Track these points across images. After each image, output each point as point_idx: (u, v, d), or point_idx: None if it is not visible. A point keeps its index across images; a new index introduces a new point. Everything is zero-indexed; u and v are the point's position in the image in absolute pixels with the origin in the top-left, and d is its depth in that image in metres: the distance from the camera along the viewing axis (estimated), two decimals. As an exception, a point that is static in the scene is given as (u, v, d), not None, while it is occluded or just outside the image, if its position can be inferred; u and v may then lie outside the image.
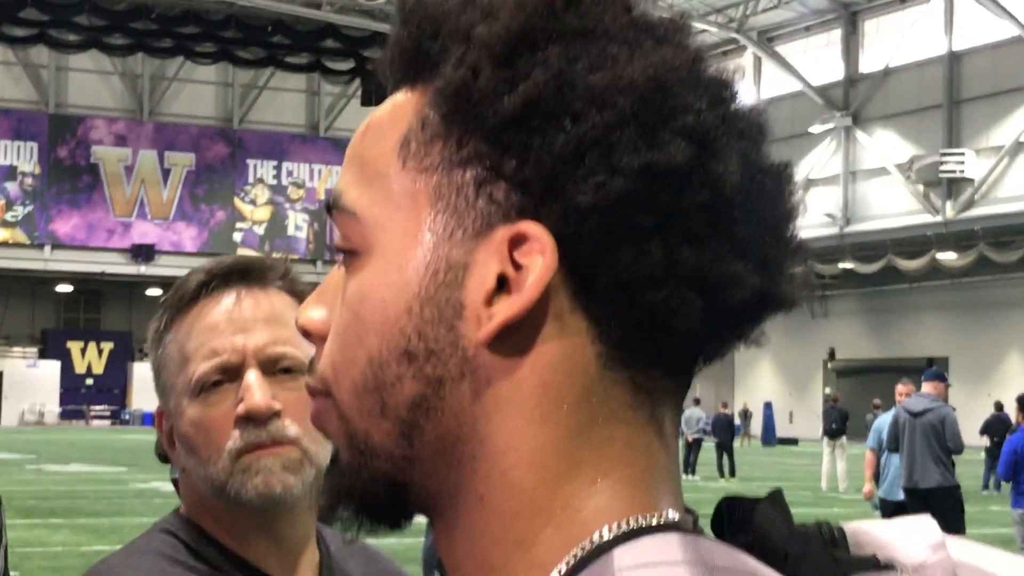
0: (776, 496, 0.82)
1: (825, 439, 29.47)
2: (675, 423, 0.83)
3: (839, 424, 29.04)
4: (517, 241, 0.78)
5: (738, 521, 0.81)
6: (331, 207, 0.86)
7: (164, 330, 1.82)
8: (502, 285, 0.78)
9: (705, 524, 0.83)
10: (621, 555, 0.74)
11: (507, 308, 0.77)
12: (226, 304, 1.77)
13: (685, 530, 0.77)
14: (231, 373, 1.74)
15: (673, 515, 0.78)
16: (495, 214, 0.79)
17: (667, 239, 0.77)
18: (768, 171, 0.83)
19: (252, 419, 1.71)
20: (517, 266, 0.78)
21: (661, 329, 0.78)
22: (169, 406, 1.82)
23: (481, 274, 0.79)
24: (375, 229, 0.83)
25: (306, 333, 0.87)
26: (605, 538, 0.75)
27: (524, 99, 0.77)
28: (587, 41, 0.79)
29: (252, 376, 1.73)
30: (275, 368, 1.75)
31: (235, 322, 1.75)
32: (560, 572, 0.75)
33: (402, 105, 0.85)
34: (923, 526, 0.81)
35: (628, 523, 0.76)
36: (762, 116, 0.85)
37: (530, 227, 0.77)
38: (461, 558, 0.80)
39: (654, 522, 0.77)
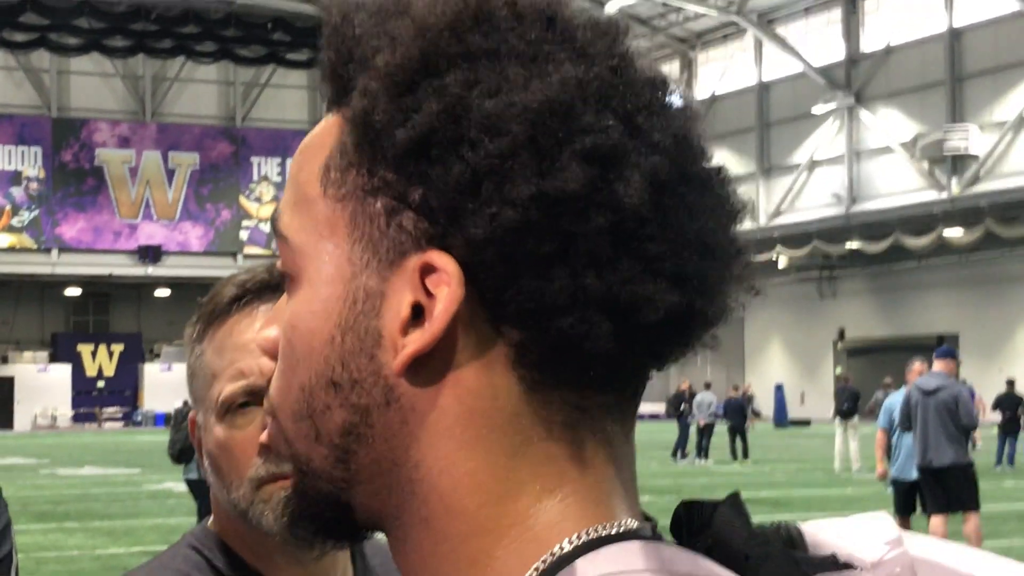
0: (734, 499, 0.81)
1: (837, 419, 29.47)
2: (623, 433, 0.82)
3: (851, 404, 29.05)
4: (427, 270, 0.77)
5: (697, 525, 0.80)
6: (273, 228, 0.87)
7: (197, 340, 1.77)
8: (419, 313, 0.78)
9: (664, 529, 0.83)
10: (584, 565, 0.74)
11: (418, 339, 0.77)
12: (257, 322, 1.72)
13: (645, 538, 0.77)
14: (258, 396, 1.68)
15: (632, 523, 0.78)
16: (406, 243, 0.78)
17: (571, 264, 0.75)
18: (692, 180, 0.80)
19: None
20: (429, 294, 0.77)
21: (575, 352, 0.77)
22: (199, 418, 1.78)
23: (396, 303, 0.78)
24: (302, 256, 0.83)
25: (267, 353, 0.88)
26: (566, 550, 0.75)
27: (418, 131, 0.77)
28: (491, 63, 0.78)
29: None
30: None
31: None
32: None
33: (327, 129, 0.84)
34: (880, 524, 0.81)
35: (588, 533, 0.76)
36: (693, 120, 0.83)
37: (436, 257, 0.77)
38: (416, 575, 0.80)
39: (614, 531, 0.77)
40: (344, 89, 0.83)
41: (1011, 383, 31.92)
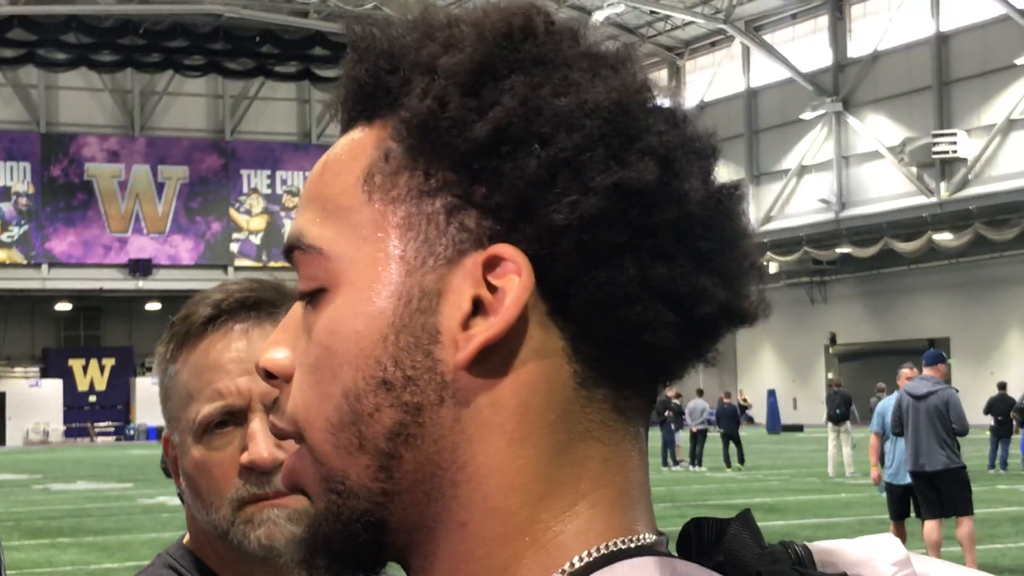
0: (745, 516, 0.82)
1: (829, 424, 29.52)
2: (644, 441, 0.84)
3: (843, 409, 29.11)
4: (491, 264, 0.79)
5: (707, 542, 0.81)
6: (291, 249, 0.86)
7: (170, 360, 1.75)
8: (477, 309, 0.79)
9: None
10: None
11: (486, 330, 0.78)
12: (234, 343, 1.70)
13: (660, 553, 0.78)
14: (236, 416, 1.68)
15: (649, 537, 0.79)
16: (467, 241, 0.80)
17: (639, 255, 0.78)
18: (723, 190, 0.84)
19: (256, 470, 1.65)
20: (492, 288, 0.79)
21: (634, 345, 0.79)
22: (174, 437, 1.76)
23: (456, 299, 0.79)
24: (342, 263, 0.83)
25: (269, 375, 0.87)
26: (583, 562, 0.77)
27: (494, 125, 0.79)
28: (548, 69, 0.81)
29: (257, 424, 1.66)
30: None
31: (242, 362, 1.68)
32: None
33: (360, 141, 0.85)
34: (888, 544, 0.82)
35: (606, 547, 0.77)
36: (713, 139, 0.86)
37: (504, 249, 0.79)
38: None
39: (632, 545, 0.78)
40: (385, 99, 0.84)
41: (1003, 386, 31.96)
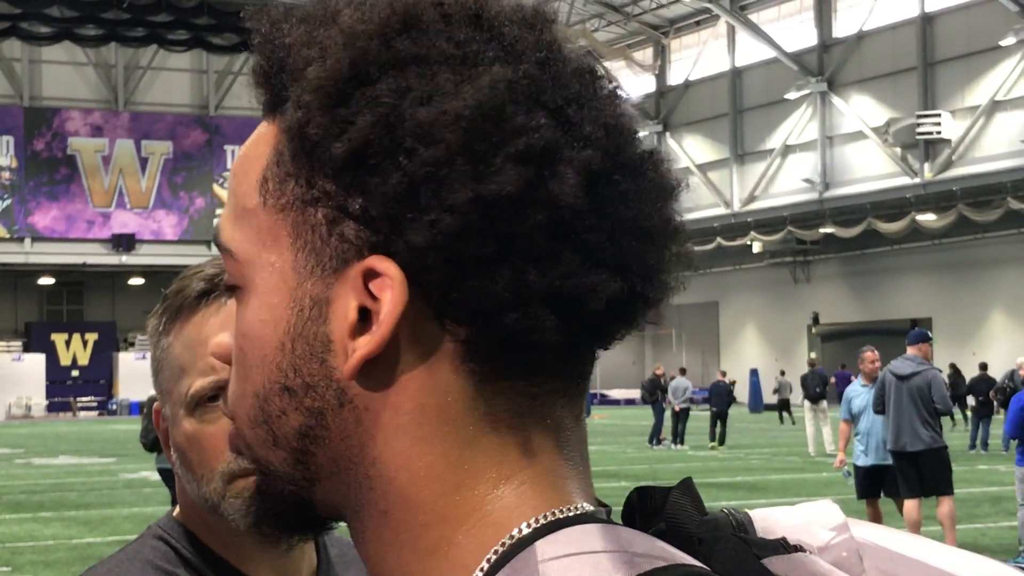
0: (686, 484, 0.83)
1: (807, 404, 29.90)
2: (573, 416, 0.83)
3: (820, 388, 29.65)
4: (369, 275, 0.79)
5: (650, 510, 0.82)
6: (216, 242, 0.88)
7: (163, 332, 1.75)
8: (366, 317, 0.79)
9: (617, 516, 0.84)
10: (543, 547, 0.75)
11: (367, 343, 0.79)
12: (227, 316, 1.69)
13: (602, 521, 0.79)
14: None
15: (588, 507, 0.80)
16: (348, 251, 0.80)
17: (513, 263, 0.77)
18: (626, 167, 0.82)
19: None
20: (375, 298, 0.79)
21: (523, 344, 0.79)
22: (166, 410, 1.77)
23: (343, 308, 0.80)
24: (247, 267, 0.84)
25: (220, 358, 0.89)
26: (524, 532, 0.77)
27: (353, 143, 0.78)
28: (421, 69, 0.79)
29: None
30: None
31: None
32: (483, 570, 0.77)
33: (262, 138, 0.85)
34: (826, 510, 0.83)
35: (546, 517, 0.78)
36: (623, 105, 0.84)
37: (378, 263, 0.78)
38: (377, 564, 0.82)
39: (571, 514, 0.78)
40: (277, 98, 0.84)
41: (984, 367, 32.07)
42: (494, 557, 0.77)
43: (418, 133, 0.77)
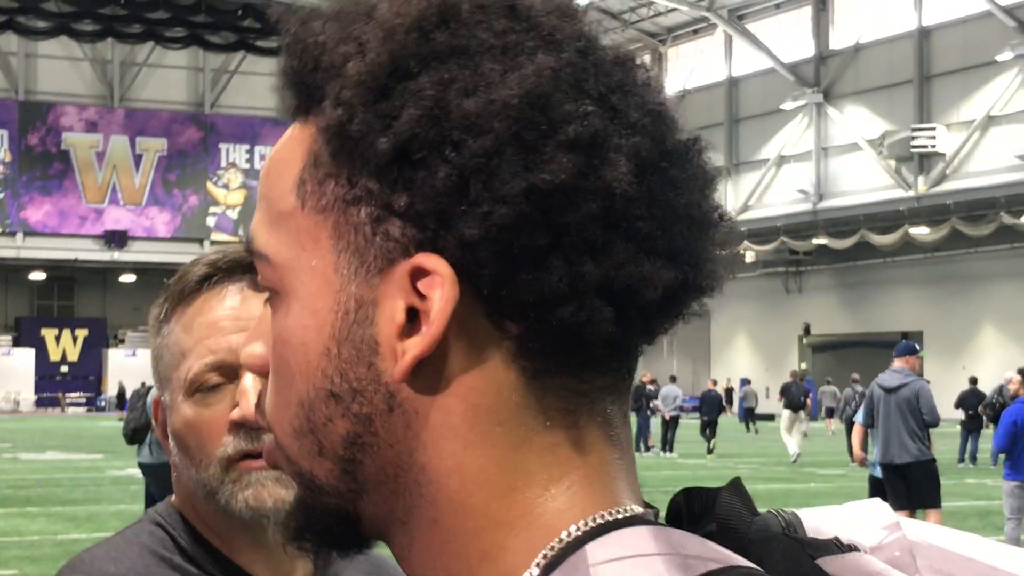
0: (736, 484, 0.82)
1: (787, 412, 30.59)
2: (622, 414, 0.82)
3: (803, 398, 30.91)
4: (417, 274, 0.77)
5: (698, 511, 0.81)
6: (250, 250, 0.86)
7: (164, 320, 1.73)
8: (414, 317, 0.77)
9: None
10: (594, 549, 0.74)
11: (417, 344, 0.77)
12: (228, 300, 1.69)
13: (652, 522, 0.77)
14: (228, 374, 1.66)
15: (636, 508, 0.78)
16: (394, 250, 0.77)
17: (566, 254, 0.75)
18: (672, 154, 0.80)
19: (246, 426, 1.63)
20: (423, 297, 0.77)
21: (577, 339, 0.77)
22: (165, 398, 1.75)
23: (390, 310, 0.78)
24: (286, 272, 0.82)
25: (252, 369, 0.87)
26: (574, 535, 0.75)
27: (398, 138, 0.76)
28: (462, 60, 0.77)
29: (248, 380, 1.64)
30: None
31: (236, 320, 1.67)
32: (532, 574, 0.75)
33: (296, 141, 0.83)
34: (876, 509, 0.82)
35: (596, 519, 0.76)
36: (662, 93, 0.83)
37: (427, 260, 0.76)
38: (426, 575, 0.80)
39: (621, 516, 0.77)
40: (311, 98, 0.82)
41: (974, 381, 32.10)
42: (543, 561, 0.75)
43: (465, 124, 0.75)
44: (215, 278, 1.71)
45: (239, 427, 1.64)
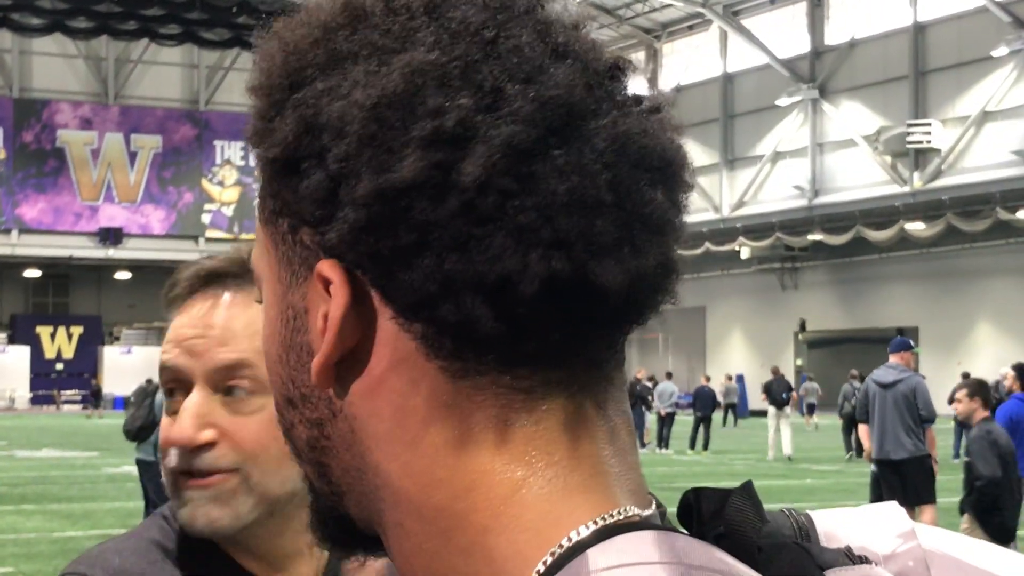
0: (747, 487, 0.80)
1: (771, 410, 30.71)
2: (598, 405, 0.79)
3: (787, 395, 31.13)
4: (326, 280, 0.77)
5: (708, 513, 0.79)
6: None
7: (168, 318, 1.75)
8: None
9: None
10: (596, 555, 0.71)
11: (320, 352, 0.77)
12: (204, 307, 1.68)
13: (657, 527, 0.75)
14: (184, 384, 1.65)
15: (637, 510, 0.76)
16: (310, 257, 0.78)
17: (435, 251, 0.74)
18: (570, 139, 0.75)
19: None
20: None
21: (470, 337, 0.75)
22: None
23: (314, 316, 0.79)
24: (259, 281, 0.86)
25: None
26: (575, 540, 0.73)
27: (283, 148, 0.78)
28: (347, 65, 0.77)
29: (191, 399, 1.63)
30: (228, 387, 1.64)
31: (195, 327, 1.66)
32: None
33: None
34: (891, 514, 0.81)
35: (597, 522, 0.73)
36: (579, 74, 0.78)
37: (323, 266, 0.77)
38: (413, 573, 0.79)
39: (621, 518, 0.74)
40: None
41: (966, 376, 32.19)
42: (543, 567, 0.72)
43: (332, 129, 0.75)
44: (206, 278, 1.71)
45: (173, 443, 1.63)
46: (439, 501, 0.76)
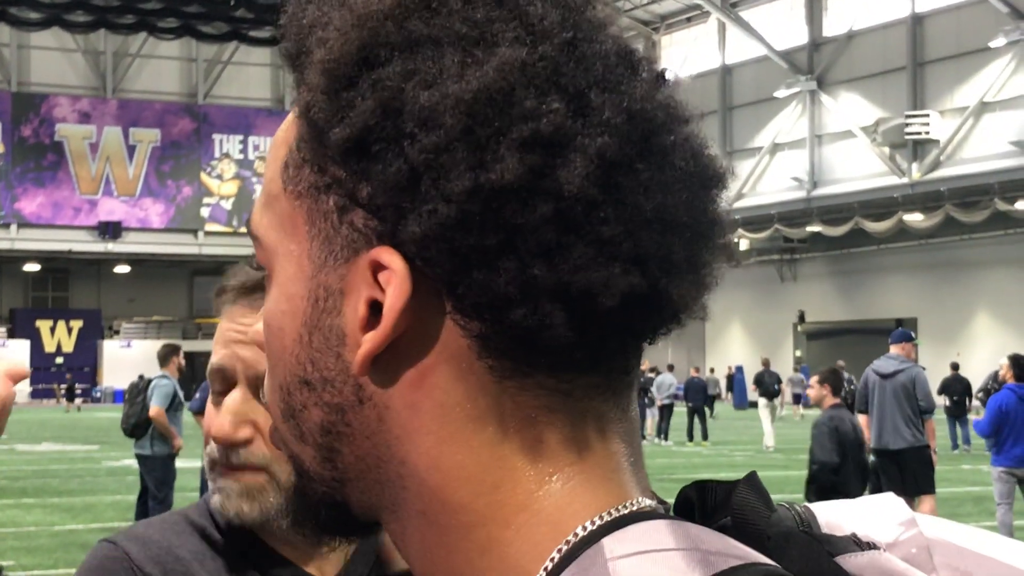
0: (752, 478, 0.80)
1: (762, 401, 31.21)
2: (620, 410, 0.80)
3: (776, 386, 32.00)
4: (377, 267, 0.76)
5: (712, 505, 0.79)
6: (248, 229, 0.86)
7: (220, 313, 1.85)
8: (379, 310, 0.76)
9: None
10: (610, 544, 0.72)
11: (371, 339, 0.76)
12: (249, 313, 1.77)
13: (668, 516, 0.76)
14: (228, 382, 1.75)
15: (648, 502, 0.77)
16: (358, 240, 0.77)
17: (519, 255, 0.73)
18: (652, 155, 0.77)
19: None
20: (384, 291, 0.76)
21: (535, 341, 0.74)
22: None
23: (354, 301, 0.77)
24: (271, 254, 0.82)
25: (258, 346, 0.87)
26: (589, 530, 0.73)
27: (353, 128, 0.75)
28: (431, 51, 0.75)
29: (232, 397, 1.74)
30: None
31: (242, 334, 1.75)
32: (546, 570, 0.73)
33: (290, 123, 0.83)
34: (891, 505, 0.81)
35: (610, 513, 0.74)
36: (658, 90, 0.80)
37: (383, 254, 0.75)
38: (424, 565, 0.79)
39: (635, 509, 0.75)
40: (299, 81, 0.81)
41: (955, 367, 32.26)
42: (557, 556, 0.73)
43: (420, 118, 0.73)
44: (239, 295, 1.80)
45: (212, 439, 1.74)
46: (464, 497, 0.76)
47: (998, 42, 46.55)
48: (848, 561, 0.74)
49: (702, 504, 0.80)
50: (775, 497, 0.78)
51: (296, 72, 0.82)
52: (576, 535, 0.73)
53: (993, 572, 0.78)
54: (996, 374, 28.38)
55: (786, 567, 0.72)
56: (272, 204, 0.82)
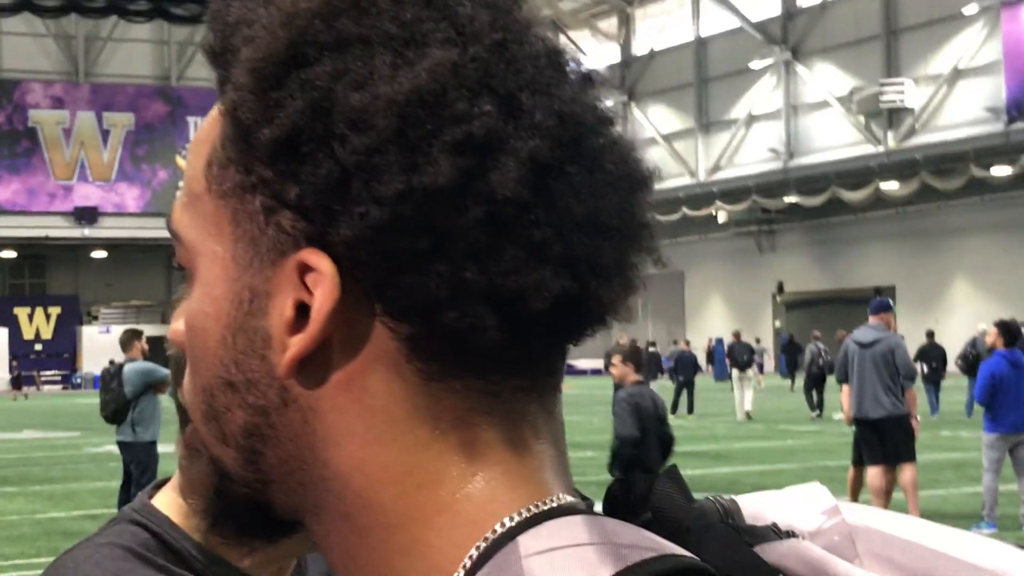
0: (672, 471, 0.80)
1: (735, 372, 31.63)
2: (548, 411, 0.80)
3: (748, 358, 32.10)
4: (304, 269, 0.75)
5: (634, 500, 0.79)
6: (168, 227, 0.84)
7: None
8: (306, 312, 0.75)
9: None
10: (526, 541, 0.72)
11: (299, 342, 0.75)
12: None
13: (585, 511, 0.75)
14: None
15: (569, 499, 0.76)
16: (285, 242, 0.76)
17: (450, 258, 0.72)
18: (582, 158, 0.76)
19: None
20: (311, 293, 0.75)
21: (466, 344, 0.74)
22: None
23: (280, 303, 0.76)
24: (193, 254, 0.81)
25: (178, 347, 0.85)
26: (506, 527, 0.73)
27: (282, 129, 0.74)
28: (361, 51, 0.74)
29: None
30: None
31: None
32: (465, 567, 0.73)
33: (213, 121, 0.81)
34: (815, 493, 0.81)
35: (528, 510, 0.74)
36: (588, 91, 0.79)
37: (311, 256, 0.74)
38: (345, 567, 0.79)
39: (553, 505, 0.75)
40: (224, 78, 0.79)
41: (931, 334, 32.42)
42: (475, 553, 0.73)
43: (350, 119, 0.72)
44: None
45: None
46: (387, 498, 0.76)
47: (971, 9, 46.65)
48: (767, 550, 0.74)
49: (626, 499, 0.80)
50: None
51: (220, 70, 0.80)
52: (495, 531, 0.73)
53: (918, 557, 0.78)
54: (975, 340, 28.54)
55: (705, 558, 0.72)
56: (195, 203, 0.81)
